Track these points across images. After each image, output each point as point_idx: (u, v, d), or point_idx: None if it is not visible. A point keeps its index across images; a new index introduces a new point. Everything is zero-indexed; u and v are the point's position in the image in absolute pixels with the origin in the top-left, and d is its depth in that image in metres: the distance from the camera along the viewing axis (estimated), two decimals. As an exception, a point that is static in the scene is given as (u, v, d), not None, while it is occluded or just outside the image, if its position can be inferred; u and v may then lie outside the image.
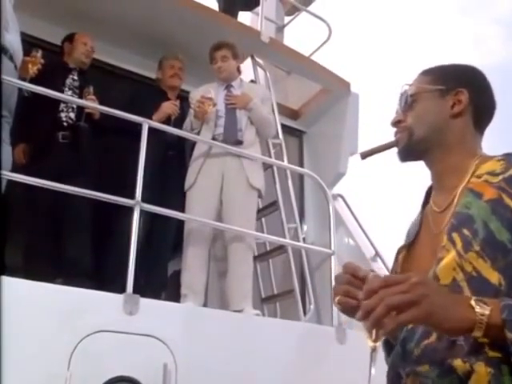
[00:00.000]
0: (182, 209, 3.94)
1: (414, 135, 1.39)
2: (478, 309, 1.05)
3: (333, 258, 4.00)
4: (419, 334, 1.21)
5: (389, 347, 1.38)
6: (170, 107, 4.21)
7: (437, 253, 1.25)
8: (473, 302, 1.07)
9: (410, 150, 1.41)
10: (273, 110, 4.75)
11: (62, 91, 3.90)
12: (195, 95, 4.16)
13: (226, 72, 4.32)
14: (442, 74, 1.43)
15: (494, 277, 1.16)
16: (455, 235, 1.22)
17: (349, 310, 1.19)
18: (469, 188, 1.27)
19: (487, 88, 1.43)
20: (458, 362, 1.13)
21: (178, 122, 4.16)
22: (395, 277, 1.12)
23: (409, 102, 1.41)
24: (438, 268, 1.22)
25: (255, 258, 4.34)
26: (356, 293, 1.16)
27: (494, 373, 1.09)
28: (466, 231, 1.21)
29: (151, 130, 3.56)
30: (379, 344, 1.09)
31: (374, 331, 1.06)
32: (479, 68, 1.45)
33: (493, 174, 1.25)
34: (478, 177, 1.27)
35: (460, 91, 1.38)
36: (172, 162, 4.26)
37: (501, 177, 1.23)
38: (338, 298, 1.20)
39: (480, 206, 1.22)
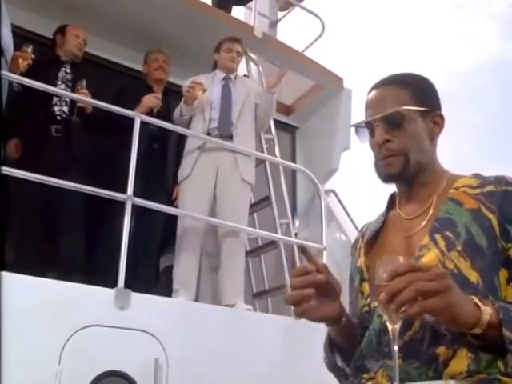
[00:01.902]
0: (167, 202, 3.92)
1: (410, 161, 1.36)
2: (482, 307, 1.12)
3: (324, 253, 4.02)
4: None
5: (331, 345, 1.46)
6: (151, 100, 4.18)
7: (409, 252, 1.32)
8: (477, 301, 1.13)
9: (403, 175, 1.39)
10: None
11: (54, 84, 3.88)
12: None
13: (237, 66, 4.40)
14: (419, 91, 1.41)
15: (473, 276, 1.24)
16: (438, 236, 1.29)
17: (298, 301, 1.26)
18: (449, 197, 1.35)
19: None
20: (441, 349, 1.19)
21: (162, 116, 4.10)
22: (420, 264, 1.19)
23: (401, 122, 1.37)
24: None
25: (247, 254, 4.35)
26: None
27: (473, 358, 1.17)
28: (448, 233, 1.29)
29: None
30: (399, 325, 1.13)
31: (393, 314, 1.11)
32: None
33: (470, 187, 1.34)
34: (456, 189, 1.36)
35: (438, 114, 1.42)
36: (156, 155, 4.25)
37: (479, 190, 1.32)
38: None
39: (461, 213, 1.30)
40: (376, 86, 1.44)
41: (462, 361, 1.17)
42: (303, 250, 1.35)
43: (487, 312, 1.12)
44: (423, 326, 1.22)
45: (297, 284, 1.26)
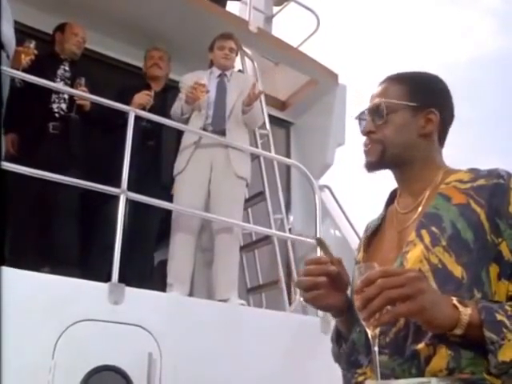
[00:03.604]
0: (163, 198, 3.93)
1: (386, 151, 1.41)
2: (461, 308, 1.13)
3: (318, 248, 4.02)
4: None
5: (338, 337, 1.47)
6: (141, 97, 4.18)
7: (400, 247, 1.34)
8: (456, 302, 1.14)
9: (379, 164, 1.43)
10: (260, 101, 4.77)
11: (53, 82, 3.86)
12: (186, 79, 4.18)
13: (231, 62, 4.39)
14: (415, 87, 1.43)
15: (458, 270, 1.23)
16: (424, 232, 1.30)
17: (309, 288, 1.32)
18: (438, 192, 1.35)
19: (451, 103, 1.48)
20: (421, 346, 1.20)
21: (155, 112, 4.06)
22: (393, 269, 1.19)
23: (382, 115, 1.41)
24: (405, 260, 1.30)
25: (241, 249, 4.35)
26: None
27: (453, 355, 1.16)
28: (434, 228, 1.29)
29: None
30: (378, 330, 1.15)
31: (371, 320, 1.12)
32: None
33: (461, 181, 1.34)
34: (447, 184, 1.36)
35: (432, 111, 1.41)
36: (152, 152, 4.27)
37: (469, 185, 1.31)
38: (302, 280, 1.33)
39: (449, 208, 1.30)
40: (382, 81, 1.49)
41: (442, 358, 1.17)
42: (320, 242, 1.39)
43: (466, 313, 1.12)
44: (407, 323, 1.23)
45: (310, 272, 1.32)
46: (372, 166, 1.44)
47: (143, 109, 4.10)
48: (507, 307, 1.15)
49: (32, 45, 3.50)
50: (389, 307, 1.10)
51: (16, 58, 3.39)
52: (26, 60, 3.44)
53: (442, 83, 1.48)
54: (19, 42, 3.47)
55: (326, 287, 1.31)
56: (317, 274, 1.31)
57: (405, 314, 1.13)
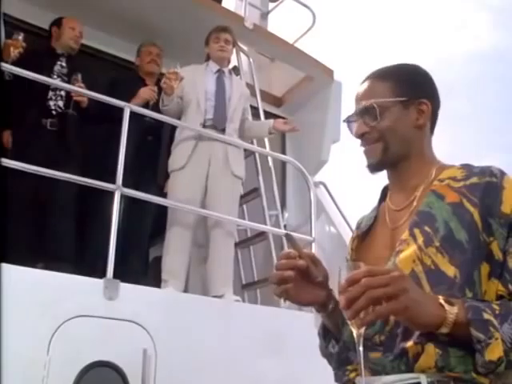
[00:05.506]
0: (157, 193, 3.92)
1: (388, 149, 1.39)
2: (447, 307, 1.13)
3: (313, 245, 4.03)
4: (379, 322, 1.26)
5: (325, 332, 1.47)
6: (147, 93, 4.18)
7: (393, 245, 1.34)
8: (442, 301, 1.14)
9: (383, 162, 1.42)
10: (256, 98, 4.80)
11: (49, 78, 3.84)
12: (182, 73, 4.16)
13: (228, 54, 4.38)
14: (400, 82, 1.42)
15: (451, 271, 1.23)
16: (417, 231, 1.29)
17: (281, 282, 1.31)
18: (431, 190, 1.34)
19: (437, 90, 1.47)
20: (409, 344, 1.20)
21: (156, 108, 4.08)
22: (378, 268, 1.17)
23: (376, 115, 1.39)
24: (397, 259, 1.29)
25: (236, 245, 4.35)
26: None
27: (441, 354, 1.17)
28: (427, 228, 1.28)
29: (130, 115, 3.54)
30: (363, 329, 1.14)
31: (356, 319, 1.12)
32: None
33: (454, 179, 1.33)
34: (440, 181, 1.35)
35: (423, 102, 1.41)
36: (150, 147, 4.27)
37: (462, 183, 1.31)
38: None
39: (442, 207, 1.30)
40: (363, 81, 1.47)
41: (430, 357, 1.17)
42: (289, 237, 1.40)
43: (452, 312, 1.12)
44: (398, 321, 1.23)
45: (279, 266, 1.32)
46: (376, 167, 1.43)
47: (147, 104, 4.10)
48: (495, 306, 1.15)
49: (20, 37, 3.47)
50: (378, 307, 1.10)
51: (5, 51, 3.37)
52: (14, 53, 3.43)
53: (424, 73, 1.47)
54: (11, 35, 3.46)
55: (296, 281, 1.31)
56: (285, 268, 1.31)
57: (388, 314, 1.13)
